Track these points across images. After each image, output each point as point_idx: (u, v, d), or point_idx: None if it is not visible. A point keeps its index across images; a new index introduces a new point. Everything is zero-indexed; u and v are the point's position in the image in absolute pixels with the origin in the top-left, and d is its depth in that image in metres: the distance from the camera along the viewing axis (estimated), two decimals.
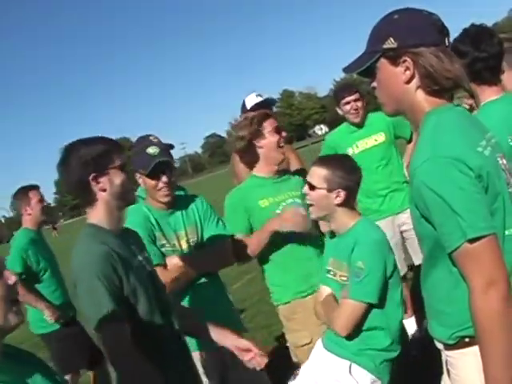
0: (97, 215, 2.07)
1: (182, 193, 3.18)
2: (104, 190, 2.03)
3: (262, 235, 2.98)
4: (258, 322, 6.05)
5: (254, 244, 3.00)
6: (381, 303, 2.42)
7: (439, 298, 1.73)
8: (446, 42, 1.67)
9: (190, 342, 2.52)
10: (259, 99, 3.78)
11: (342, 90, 4.52)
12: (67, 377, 4.29)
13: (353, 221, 2.53)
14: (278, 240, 2.99)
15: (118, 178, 2.05)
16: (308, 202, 2.58)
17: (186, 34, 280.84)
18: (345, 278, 2.49)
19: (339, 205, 2.49)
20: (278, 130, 3.09)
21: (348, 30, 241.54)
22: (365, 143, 4.38)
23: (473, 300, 1.51)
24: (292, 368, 2.73)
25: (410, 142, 4.37)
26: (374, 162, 4.34)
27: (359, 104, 4.35)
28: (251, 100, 3.81)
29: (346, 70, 1.80)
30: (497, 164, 1.66)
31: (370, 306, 2.41)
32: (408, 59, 1.64)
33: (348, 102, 4.35)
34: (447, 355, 1.78)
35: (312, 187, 2.53)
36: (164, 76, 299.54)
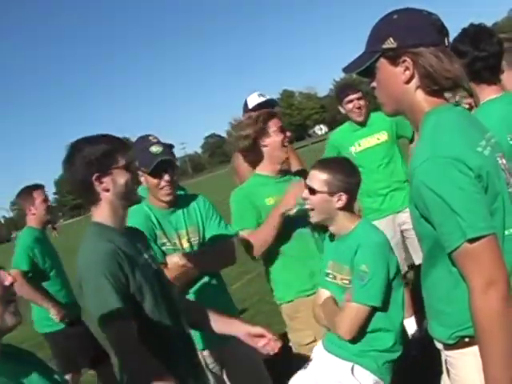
0: (101, 214, 2.07)
1: (182, 193, 3.18)
2: (107, 190, 2.04)
3: (271, 221, 2.93)
4: (258, 321, 6.03)
5: (265, 233, 2.95)
6: (384, 305, 2.42)
7: (439, 297, 1.73)
8: (446, 41, 1.67)
9: None
10: (261, 99, 3.78)
11: (344, 89, 4.51)
12: (68, 376, 4.29)
13: (353, 224, 2.52)
14: (282, 238, 2.98)
15: (121, 178, 2.05)
16: (308, 207, 2.56)
17: (185, 34, 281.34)
18: (346, 281, 2.49)
19: (340, 208, 2.49)
20: (282, 130, 3.10)
21: (348, 30, 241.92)
22: (367, 142, 4.38)
23: (472, 300, 1.51)
24: (292, 368, 2.73)
25: (412, 141, 4.37)
26: (376, 160, 4.34)
27: (362, 102, 4.35)
28: (253, 100, 3.82)
29: (345, 69, 1.80)
30: (496, 164, 1.66)
31: (374, 309, 2.41)
32: (408, 59, 1.64)
33: (351, 101, 4.35)
34: (447, 355, 1.78)
35: (313, 191, 2.51)
36: (164, 76, 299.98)
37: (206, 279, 2.93)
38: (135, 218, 2.69)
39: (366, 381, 2.41)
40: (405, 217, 4.23)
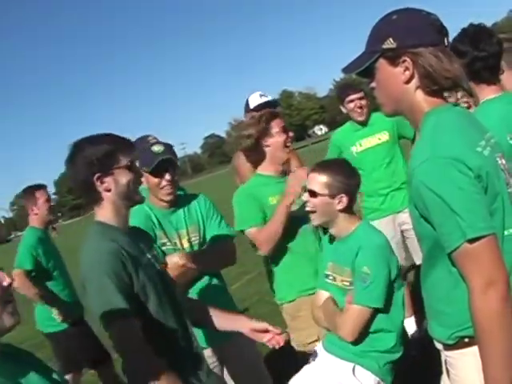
0: (104, 214, 2.07)
1: (181, 193, 3.18)
2: (109, 190, 2.04)
3: (278, 217, 2.93)
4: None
5: (273, 229, 2.95)
6: (386, 307, 2.42)
7: (439, 298, 1.73)
8: (445, 41, 1.67)
9: None
10: (263, 99, 3.80)
11: (346, 88, 4.52)
12: (69, 376, 4.30)
13: (353, 225, 2.52)
14: (288, 235, 2.98)
15: (123, 178, 2.05)
16: (309, 209, 2.56)
17: (185, 34, 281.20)
18: (347, 283, 2.49)
19: (341, 210, 2.49)
20: (285, 130, 3.11)
21: (347, 30, 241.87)
22: (368, 142, 4.39)
23: (472, 300, 1.51)
24: (294, 367, 2.73)
25: (413, 141, 4.37)
26: (377, 160, 4.35)
27: (363, 102, 4.35)
28: (255, 100, 3.83)
29: (345, 70, 1.80)
30: (496, 164, 1.66)
31: (375, 310, 2.41)
32: (407, 59, 1.64)
33: (352, 100, 4.36)
34: (447, 355, 1.78)
35: (313, 194, 2.51)
36: (163, 76, 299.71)
37: (206, 279, 2.93)
38: (135, 218, 2.69)
39: (367, 381, 2.41)
40: (405, 217, 4.23)
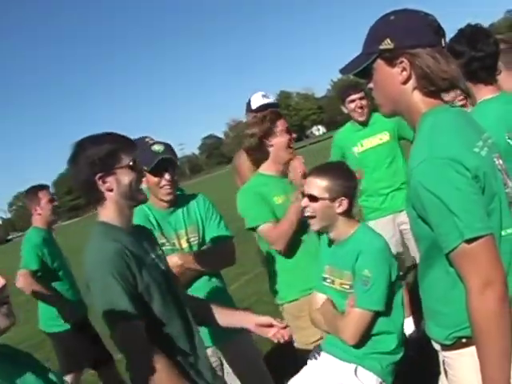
0: (107, 214, 2.06)
1: (180, 193, 3.18)
2: (111, 190, 2.03)
3: (290, 217, 2.94)
4: None
5: (286, 227, 2.96)
6: (387, 309, 2.43)
7: (436, 298, 1.73)
8: (443, 42, 1.67)
9: None
10: (265, 101, 3.82)
11: (347, 88, 4.53)
12: (70, 375, 4.29)
13: (352, 229, 2.53)
14: (299, 233, 2.98)
15: (126, 178, 2.03)
16: (309, 215, 2.54)
17: (183, 35, 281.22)
18: (347, 286, 2.49)
19: (341, 214, 2.49)
20: (288, 131, 3.13)
21: (345, 30, 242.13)
22: (369, 142, 4.40)
23: (470, 300, 1.51)
24: (292, 368, 2.73)
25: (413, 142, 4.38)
26: (379, 160, 4.36)
27: (364, 102, 4.36)
28: (257, 101, 3.85)
29: (342, 71, 1.81)
30: (493, 164, 1.66)
31: (377, 313, 2.42)
32: (405, 60, 1.64)
33: (353, 100, 4.37)
34: (444, 356, 1.78)
35: (313, 199, 2.50)
36: (161, 77, 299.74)
37: (206, 279, 2.92)
38: (134, 218, 2.69)
39: (369, 382, 2.42)
40: (405, 217, 4.21)
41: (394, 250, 2.57)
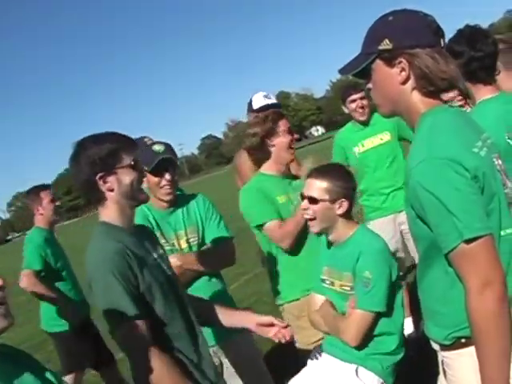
0: (108, 213, 2.06)
1: (179, 193, 3.18)
2: (112, 190, 2.02)
3: (297, 218, 2.93)
4: None
5: (293, 227, 2.96)
6: (388, 310, 2.43)
7: (435, 298, 1.73)
8: (442, 43, 1.68)
9: None
10: (267, 101, 3.83)
11: (348, 88, 4.54)
12: (71, 375, 4.29)
13: (351, 230, 2.53)
14: (304, 232, 2.97)
15: (127, 177, 2.03)
16: (309, 217, 2.54)
17: (182, 35, 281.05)
18: (347, 288, 2.49)
19: (341, 215, 2.49)
20: (290, 131, 3.13)
21: (345, 31, 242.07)
22: (370, 142, 4.41)
23: (469, 300, 1.51)
24: (292, 367, 2.73)
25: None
26: (380, 160, 4.37)
27: (365, 102, 4.36)
28: (259, 101, 3.86)
29: (341, 71, 1.81)
30: (492, 165, 1.66)
31: (378, 314, 2.42)
32: (403, 60, 1.64)
33: (354, 100, 4.37)
34: (443, 356, 1.78)
35: (313, 200, 2.49)
36: (161, 77, 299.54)
37: (206, 279, 2.92)
38: None
39: (370, 383, 2.42)
40: (405, 217, 4.23)
41: (393, 251, 2.57)
